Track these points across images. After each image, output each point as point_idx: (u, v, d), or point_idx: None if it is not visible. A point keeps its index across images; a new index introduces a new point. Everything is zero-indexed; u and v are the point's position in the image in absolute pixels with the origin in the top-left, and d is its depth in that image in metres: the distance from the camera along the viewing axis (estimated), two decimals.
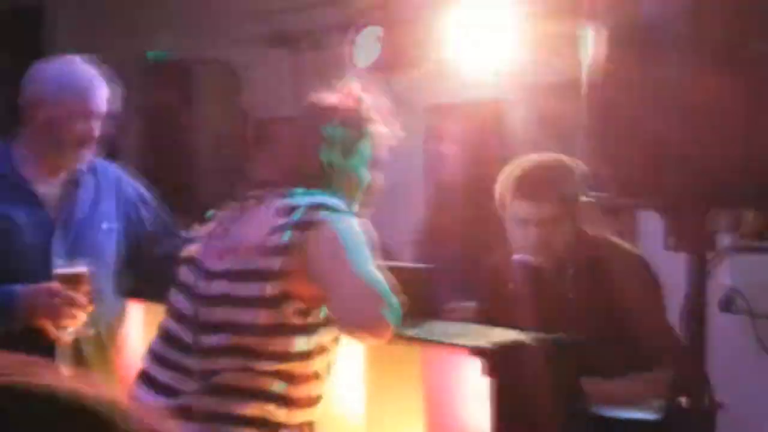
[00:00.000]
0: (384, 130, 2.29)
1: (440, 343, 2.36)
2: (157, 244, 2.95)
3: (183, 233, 2.73)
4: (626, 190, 2.00)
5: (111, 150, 2.95)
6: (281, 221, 2.10)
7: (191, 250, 2.30)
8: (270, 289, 2.09)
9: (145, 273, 2.96)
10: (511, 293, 2.76)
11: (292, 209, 2.11)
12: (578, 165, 2.41)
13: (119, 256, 2.91)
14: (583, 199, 2.35)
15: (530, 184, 2.66)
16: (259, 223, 2.15)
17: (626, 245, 2.88)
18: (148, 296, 2.98)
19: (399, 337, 2.15)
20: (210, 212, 2.37)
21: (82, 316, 2.61)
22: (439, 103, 4.71)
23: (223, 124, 5.14)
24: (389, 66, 3.97)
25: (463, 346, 2.27)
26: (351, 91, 2.28)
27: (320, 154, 2.20)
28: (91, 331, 2.72)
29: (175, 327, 2.26)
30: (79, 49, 3.31)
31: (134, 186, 3.01)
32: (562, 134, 3.64)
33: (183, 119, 5.12)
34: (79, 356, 2.67)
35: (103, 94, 2.75)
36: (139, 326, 3.11)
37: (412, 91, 4.24)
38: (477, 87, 4.29)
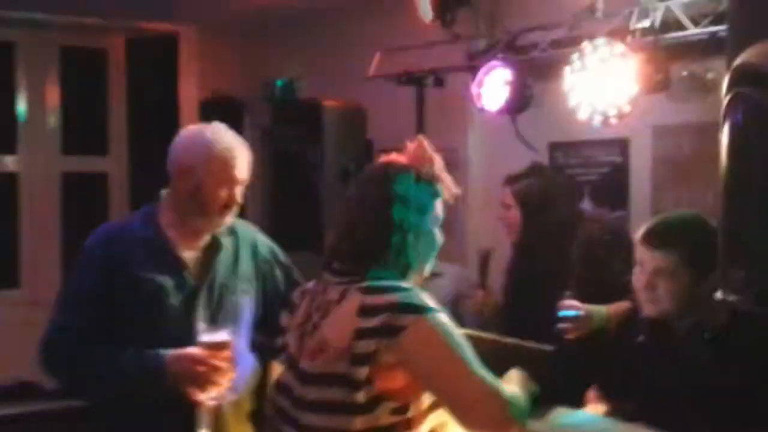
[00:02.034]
0: (451, 188, 2.28)
1: None
2: (288, 302, 2.84)
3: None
4: (762, 298, 1.75)
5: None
6: (365, 324, 2.05)
7: (289, 341, 2.29)
8: (362, 396, 2.05)
9: (275, 332, 2.81)
10: (639, 347, 2.68)
11: (375, 310, 2.06)
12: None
13: (254, 315, 2.98)
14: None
15: (650, 232, 2.61)
16: (343, 323, 2.10)
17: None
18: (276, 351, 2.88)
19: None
20: (296, 293, 2.39)
21: (225, 383, 2.69)
22: (560, 141, 4.51)
23: (348, 162, 5.02)
24: (515, 108, 4.11)
25: None
26: (422, 149, 2.25)
27: (394, 212, 2.17)
28: (233, 396, 2.81)
29: (280, 424, 2.25)
30: (210, 75, 4.18)
31: (269, 246, 3.09)
32: (686, 177, 3.89)
33: (311, 157, 5.11)
34: (219, 418, 2.79)
35: (246, 161, 2.85)
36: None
37: (535, 129, 4.28)
38: (599, 125, 3.67)
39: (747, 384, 2.44)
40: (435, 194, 2.26)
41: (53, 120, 5.96)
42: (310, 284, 2.33)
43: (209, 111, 5.61)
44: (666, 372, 2.59)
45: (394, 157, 2.29)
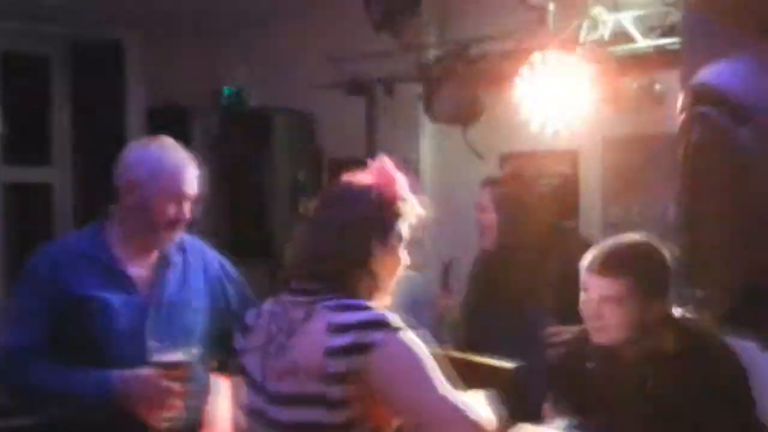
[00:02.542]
0: (415, 209, 2.27)
1: None
2: (240, 321, 2.86)
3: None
4: (721, 317, 1.80)
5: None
6: (335, 342, 2.03)
7: (247, 364, 2.24)
8: (337, 416, 2.04)
9: (229, 349, 2.84)
10: (589, 374, 2.72)
11: (345, 328, 2.05)
12: (668, 254, 2.54)
13: (206, 333, 2.92)
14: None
15: (598, 258, 2.59)
16: (312, 341, 2.07)
17: (716, 336, 2.56)
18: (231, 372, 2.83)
19: None
20: (250, 315, 2.33)
21: (179, 405, 2.66)
22: (511, 152, 4.48)
23: (298, 170, 5.19)
24: (463, 118, 4.10)
25: None
26: (384, 170, 2.25)
27: (358, 233, 2.17)
28: (185, 416, 2.73)
29: None
30: (158, 83, 4.00)
31: (220, 262, 3.05)
32: (636, 188, 3.92)
33: (260, 166, 5.18)
34: None
35: (194, 176, 2.82)
36: (224, 402, 2.96)
37: (486, 140, 4.27)
38: (550, 137, 3.65)
39: (696, 409, 2.46)
40: (399, 214, 2.24)
41: None
42: (266, 305, 2.28)
43: (157, 119, 5.57)
44: (613, 398, 2.60)
45: (357, 176, 2.27)
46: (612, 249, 2.62)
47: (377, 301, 2.18)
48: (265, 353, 2.19)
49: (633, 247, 2.64)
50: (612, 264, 2.56)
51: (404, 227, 2.26)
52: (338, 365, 2.03)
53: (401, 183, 2.26)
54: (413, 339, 2.07)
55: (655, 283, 2.55)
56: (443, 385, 2.04)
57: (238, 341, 2.31)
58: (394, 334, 2.05)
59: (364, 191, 2.22)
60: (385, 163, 2.27)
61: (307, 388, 2.06)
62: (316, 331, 2.08)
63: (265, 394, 2.16)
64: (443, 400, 2.02)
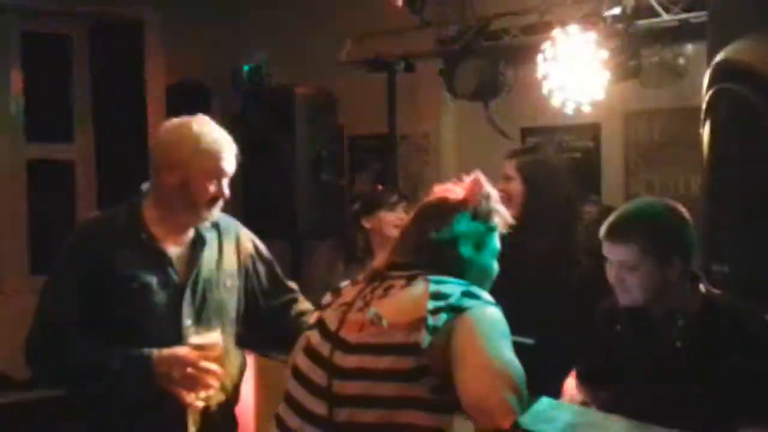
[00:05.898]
0: (505, 222, 2.37)
1: None
2: (270, 298, 3.06)
3: (292, 285, 3.11)
4: (746, 292, 1.79)
5: None
6: (435, 304, 2.12)
7: (326, 317, 2.32)
8: (409, 362, 2.09)
9: (260, 327, 3.10)
10: (618, 335, 2.76)
11: (446, 296, 2.13)
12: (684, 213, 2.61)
13: (239, 311, 2.97)
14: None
15: (612, 225, 2.63)
16: (408, 302, 2.16)
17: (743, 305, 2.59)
18: (261, 349, 3.22)
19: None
20: (344, 283, 2.42)
21: (214, 385, 2.72)
22: (533, 127, 4.47)
23: (320, 148, 5.13)
24: (486, 94, 3.67)
25: None
26: (478, 185, 2.32)
27: (456, 247, 2.28)
28: (222, 396, 2.84)
29: (304, 396, 2.26)
30: (177, 61, 4.05)
31: (252, 240, 3.08)
32: (657, 162, 3.91)
33: (282, 144, 5.10)
34: (207, 415, 2.81)
35: (232, 153, 2.82)
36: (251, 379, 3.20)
37: (508, 114, 4.24)
38: (572, 111, 3.64)
39: (720, 368, 2.47)
40: (491, 229, 2.34)
41: (16, 107, 5.84)
42: (364, 275, 2.37)
43: (176, 97, 5.57)
44: (642, 358, 2.63)
45: (450, 191, 2.34)
46: (620, 215, 2.65)
47: None
48: (348, 309, 2.27)
49: (640, 211, 2.67)
50: (620, 230, 2.60)
51: (496, 240, 2.35)
52: (436, 320, 2.09)
53: (493, 197, 2.35)
54: (499, 314, 2.16)
55: (666, 243, 2.57)
56: (502, 350, 2.08)
57: (326, 299, 2.40)
58: (484, 305, 2.15)
59: (459, 210, 2.31)
60: (478, 179, 2.33)
61: (386, 338, 2.14)
62: (416, 294, 2.17)
63: (335, 340, 2.23)
64: (493, 359, 2.05)
